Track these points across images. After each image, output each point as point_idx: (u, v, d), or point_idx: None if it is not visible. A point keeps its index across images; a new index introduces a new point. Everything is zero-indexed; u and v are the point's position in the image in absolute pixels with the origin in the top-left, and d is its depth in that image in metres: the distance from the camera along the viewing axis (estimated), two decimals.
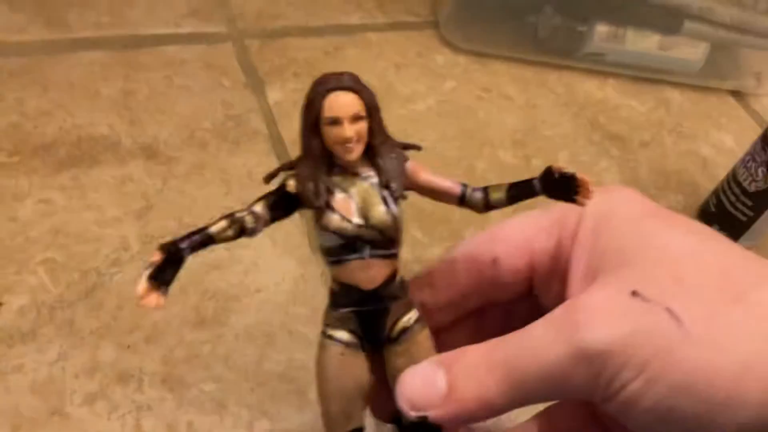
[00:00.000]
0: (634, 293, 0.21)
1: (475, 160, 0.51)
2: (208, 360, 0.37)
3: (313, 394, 0.36)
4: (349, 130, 0.23)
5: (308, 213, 0.24)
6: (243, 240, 0.42)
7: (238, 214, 0.24)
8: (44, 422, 0.33)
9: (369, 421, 0.27)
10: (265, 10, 0.59)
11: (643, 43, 0.60)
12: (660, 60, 0.61)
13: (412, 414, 0.23)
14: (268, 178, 0.25)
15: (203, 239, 0.23)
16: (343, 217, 0.24)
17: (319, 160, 0.24)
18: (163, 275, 0.22)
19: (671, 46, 0.60)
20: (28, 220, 0.40)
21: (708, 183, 0.54)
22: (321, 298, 0.41)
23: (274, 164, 0.47)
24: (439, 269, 0.28)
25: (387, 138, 0.25)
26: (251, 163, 0.46)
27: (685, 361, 0.19)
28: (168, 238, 0.22)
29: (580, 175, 0.22)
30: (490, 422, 0.37)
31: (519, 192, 0.24)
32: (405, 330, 0.26)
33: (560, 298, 0.25)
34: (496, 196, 0.25)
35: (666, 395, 0.20)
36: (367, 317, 0.25)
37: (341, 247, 0.24)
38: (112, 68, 0.50)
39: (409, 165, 0.25)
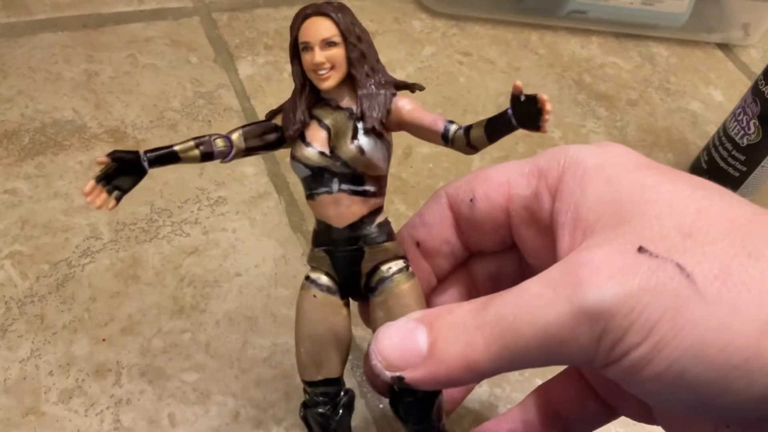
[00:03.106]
0: (641, 249, 0.19)
1: None
2: (188, 349, 0.35)
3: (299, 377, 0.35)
4: (320, 55, 0.23)
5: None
6: (220, 222, 0.40)
7: (208, 137, 0.23)
8: (19, 422, 0.31)
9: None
10: None
11: None
12: (644, 15, 0.59)
13: (387, 374, 0.21)
14: (270, 116, 0.25)
15: (167, 153, 0.22)
16: (310, 146, 0.24)
17: (300, 91, 0.24)
18: (120, 182, 0.22)
19: None
20: None
21: (698, 139, 0.53)
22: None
23: None
24: (429, 207, 0.27)
25: (376, 73, 0.24)
26: None
27: (697, 322, 0.18)
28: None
29: (540, 95, 0.21)
30: (478, 400, 0.36)
31: (495, 125, 0.23)
32: (383, 280, 0.25)
33: (542, 252, 0.24)
34: (476, 133, 0.23)
35: (676, 360, 0.18)
36: (339, 259, 0.25)
37: (311, 179, 0.24)
38: (74, 49, 0.48)
39: (400, 101, 0.24)
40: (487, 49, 0.56)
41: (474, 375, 0.20)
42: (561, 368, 0.29)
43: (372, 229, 0.25)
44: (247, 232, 0.40)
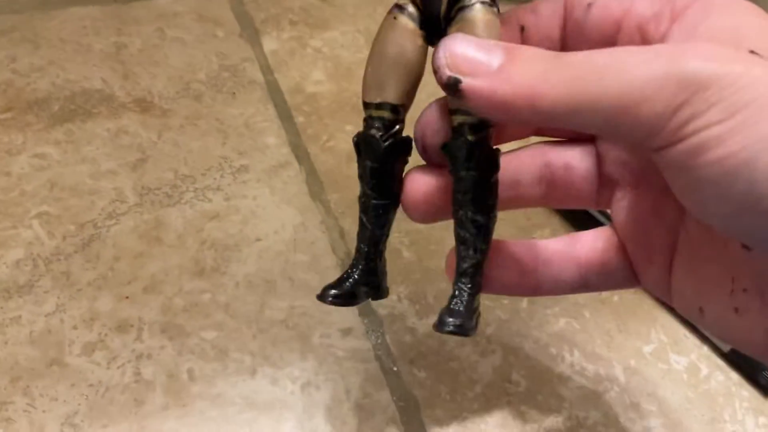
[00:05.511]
0: (752, 51, 0.19)
1: None
2: (208, 308, 0.36)
3: (316, 338, 0.36)
4: None
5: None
6: (240, 189, 0.41)
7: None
8: (43, 372, 0.32)
9: None
10: None
11: None
12: None
13: (446, 72, 0.20)
14: None
15: None
16: None
17: None
18: None
19: None
20: (22, 175, 0.40)
21: None
22: (321, 245, 0.40)
23: (271, 113, 0.46)
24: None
25: None
26: (248, 112, 0.45)
27: None
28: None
29: None
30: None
31: None
32: (462, 8, 0.24)
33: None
34: None
35: (749, 145, 0.18)
36: None
37: None
38: (104, 23, 0.49)
39: None
40: None
41: (532, 110, 0.19)
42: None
43: None
44: (268, 200, 0.41)
